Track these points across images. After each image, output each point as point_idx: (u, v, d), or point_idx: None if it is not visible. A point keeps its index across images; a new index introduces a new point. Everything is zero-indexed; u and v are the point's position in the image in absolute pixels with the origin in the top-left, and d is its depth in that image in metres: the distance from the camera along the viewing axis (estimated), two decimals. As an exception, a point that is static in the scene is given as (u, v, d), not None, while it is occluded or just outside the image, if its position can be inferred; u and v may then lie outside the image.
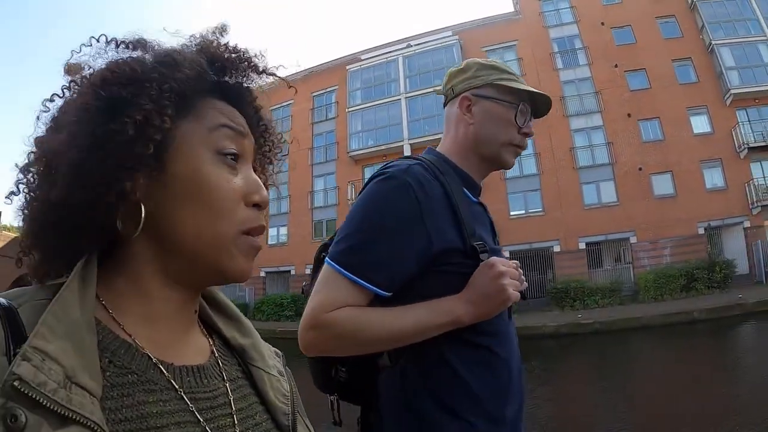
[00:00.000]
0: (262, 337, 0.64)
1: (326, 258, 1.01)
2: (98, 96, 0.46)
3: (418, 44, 23.76)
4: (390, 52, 24.30)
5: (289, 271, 23.44)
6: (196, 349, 0.54)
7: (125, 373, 0.44)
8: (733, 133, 19.68)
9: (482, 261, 1.01)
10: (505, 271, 0.99)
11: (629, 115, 20.25)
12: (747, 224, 18.91)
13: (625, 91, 20.76)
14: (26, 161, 0.49)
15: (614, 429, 5.75)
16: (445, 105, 1.24)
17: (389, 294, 0.98)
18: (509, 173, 18.46)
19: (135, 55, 0.50)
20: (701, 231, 18.92)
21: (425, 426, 0.99)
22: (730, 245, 18.88)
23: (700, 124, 20.11)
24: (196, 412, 0.47)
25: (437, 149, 1.20)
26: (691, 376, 8.26)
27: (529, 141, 1.21)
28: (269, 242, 24.71)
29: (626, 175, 19.95)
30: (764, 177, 19.39)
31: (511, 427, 1.04)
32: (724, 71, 19.92)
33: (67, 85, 0.50)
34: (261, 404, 0.56)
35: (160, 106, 0.47)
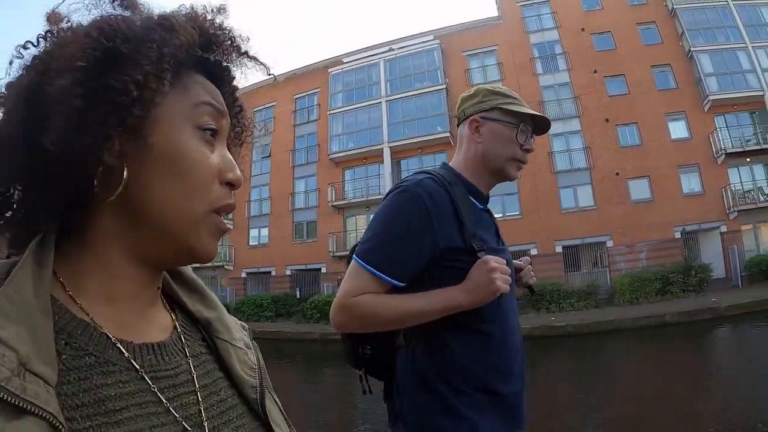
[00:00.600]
0: None
1: (353, 256, 1.25)
2: (97, 47, 0.44)
3: (401, 48, 23.93)
4: (372, 55, 24.43)
5: (270, 272, 23.44)
6: (158, 326, 0.52)
7: (82, 355, 0.42)
8: (711, 139, 19.81)
9: (479, 258, 1.21)
10: (496, 267, 1.19)
11: (607, 120, 20.38)
12: (724, 229, 19.02)
13: (603, 96, 20.90)
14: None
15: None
16: (458, 125, 1.46)
17: (403, 284, 1.21)
18: (487, 177, 18.50)
19: (127, 14, 0.48)
20: (678, 235, 19.02)
21: (432, 396, 1.21)
22: (707, 249, 18.97)
23: (678, 129, 20.25)
24: (157, 392, 0.45)
25: (450, 163, 1.42)
26: (655, 378, 8.34)
27: None
28: (250, 243, 24.82)
29: (603, 180, 20.06)
30: (741, 182, 19.52)
31: (511, 400, 1.25)
32: (702, 78, 20.08)
33: (49, 32, 0.47)
34: (226, 379, 0.54)
35: (159, 69, 0.45)
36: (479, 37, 23.00)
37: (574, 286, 18.10)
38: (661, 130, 20.11)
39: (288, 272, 23.16)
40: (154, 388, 0.45)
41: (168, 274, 0.58)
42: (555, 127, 20.72)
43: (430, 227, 1.20)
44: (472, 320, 1.22)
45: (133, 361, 0.45)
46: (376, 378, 1.42)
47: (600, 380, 8.83)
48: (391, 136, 22.52)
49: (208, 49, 0.52)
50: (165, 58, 0.45)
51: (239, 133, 0.60)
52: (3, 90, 0.46)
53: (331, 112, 23.69)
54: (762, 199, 19.10)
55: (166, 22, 0.48)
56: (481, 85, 1.46)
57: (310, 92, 25.08)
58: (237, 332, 0.60)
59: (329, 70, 24.77)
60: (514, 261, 1.48)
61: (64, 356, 0.41)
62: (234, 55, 0.55)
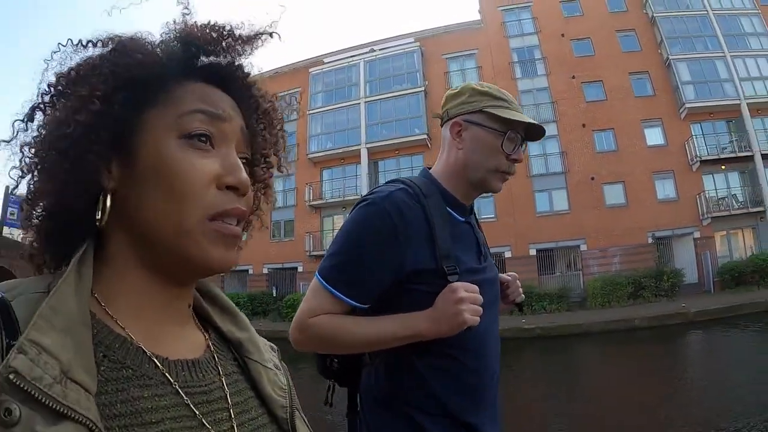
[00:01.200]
0: None
1: (316, 272, 1.16)
2: (52, 95, 0.48)
3: (382, 49, 24.02)
4: (353, 56, 24.50)
5: (247, 271, 23.35)
6: (192, 344, 0.53)
7: (120, 368, 0.43)
8: (687, 146, 19.98)
9: (450, 282, 1.10)
10: (464, 297, 1.07)
11: (584, 125, 20.55)
12: (697, 235, 19.19)
13: (581, 101, 21.09)
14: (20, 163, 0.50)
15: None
16: (441, 125, 1.31)
17: (365, 306, 1.12)
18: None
19: (102, 52, 0.50)
20: (651, 240, 19.08)
21: (395, 419, 1.13)
22: (680, 255, 19.10)
23: (654, 136, 20.43)
24: (192, 406, 0.46)
25: (431, 169, 1.29)
26: (614, 380, 8.51)
27: None
28: (228, 242, 24.58)
29: (578, 184, 20.21)
30: (716, 189, 19.69)
31: (480, 430, 1.14)
32: (680, 85, 20.27)
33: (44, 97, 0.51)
34: (257, 398, 0.55)
35: (94, 89, 0.46)
36: (459, 40, 23.14)
37: (547, 288, 18.18)
38: (637, 137, 20.29)
39: (265, 271, 23.09)
40: (188, 401, 0.46)
41: (201, 295, 0.59)
42: (532, 131, 20.86)
43: (396, 246, 1.09)
44: (442, 345, 1.11)
45: (168, 375, 0.47)
46: (343, 387, 1.34)
47: (562, 380, 8.95)
48: (368, 137, 22.58)
49: (203, 54, 0.52)
50: (102, 78, 0.47)
51: (262, 130, 0.57)
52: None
53: (310, 111, 23.68)
54: (736, 206, 19.27)
55: (118, 46, 0.49)
56: (469, 83, 1.27)
57: (290, 91, 25.02)
58: (267, 353, 0.61)
59: (310, 70, 24.81)
60: (502, 275, 1.38)
61: (102, 368, 0.42)
62: (240, 47, 0.54)
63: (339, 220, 21.69)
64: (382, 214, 1.11)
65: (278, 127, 0.60)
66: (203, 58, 0.53)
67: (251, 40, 0.55)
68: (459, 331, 1.08)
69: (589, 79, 21.23)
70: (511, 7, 23.17)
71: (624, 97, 20.73)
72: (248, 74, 0.55)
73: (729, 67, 20.28)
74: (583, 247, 19.66)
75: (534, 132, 1.25)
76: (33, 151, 0.48)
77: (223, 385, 0.52)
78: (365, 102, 23.18)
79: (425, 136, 21.38)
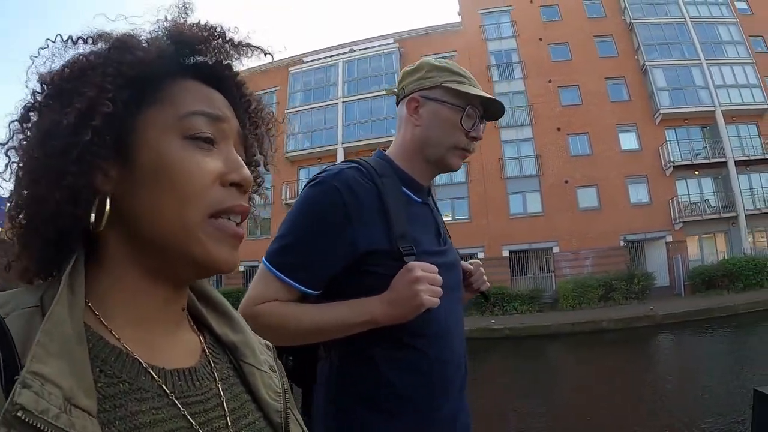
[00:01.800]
0: None
1: (263, 257, 1.07)
2: (46, 94, 0.46)
3: (362, 49, 24.12)
4: (333, 55, 24.59)
5: (223, 269, 23.33)
6: (187, 349, 0.53)
7: (116, 382, 0.43)
8: (661, 151, 20.16)
9: (406, 263, 1.02)
10: (421, 277, 0.99)
11: (559, 129, 20.73)
12: (669, 239, 19.39)
13: (556, 105, 21.29)
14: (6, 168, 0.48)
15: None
16: (397, 104, 1.24)
17: (316, 292, 1.05)
18: (438, 180, 18.59)
19: (95, 49, 0.49)
20: (623, 244, 19.22)
21: (348, 420, 1.05)
22: (652, 258, 19.28)
23: (628, 141, 20.64)
24: (189, 417, 0.46)
25: (387, 151, 1.22)
26: (582, 381, 8.62)
27: None
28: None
29: (552, 187, 20.37)
30: (689, 194, 19.88)
31: (446, 424, 1.09)
32: (655, 91, 20.48)
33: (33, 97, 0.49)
34: (253, 402, 0.55)
35: (102, 91, 0.45)
36: (438, 42, 23.27)
37: (519, 290, 18.25)
38: (612, 141, 20.50)
39: (241, 268, 23.00)
40: (185, 412, 0.46)
41: (195, 295, 0.58)
42: (507, 134, 21.02)
43: (347, 226, 1.02)
44: (400, 333, 1.04)
45: (164, 386, 0.46)
46: (298, 386, 1.24)
47: (528, 381, 9.07)
48: (345, 137, 22.69)
49: (196, 53, 0.52)
50: (108, 78, 0.45)
51: (255, 129, 0.57)
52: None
53: (288, 110, 23.76)
54: (708, 211, 19.46)
55: (116, 43, 0.48)
56: (426, 59, 1.22)
57: (269, 90, 25.06)
58: (262, 354, 0.61)
59: (290, 69, 24.84)
60: (465, 263, 1.32)
61: (99, 384, 0.42)
62: (230, 50, 0.54)
63: (315, 220, 21.71)
64: (331, 191, 1.03)
65: (267, 126, 0.59)
66: (195, 56, 0.52)
67: (241, 46, 0.55)
68: (417, 315, 1.00)
69: (566, 83, 21.45)
70: (491, 10, 23.39)
71: (600, 101, 20.95)
72: (238, 73, 0.55)
73: (705, 74, 20.54)
74: (556, 249, 19.83)
75: (493, 110, 1.20)
76: (23, 154, 0.46)
77: (219, 391, 0.51)
78: (343, 102, 23.29)
79: (401, 137, 21.32)
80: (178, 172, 0.46)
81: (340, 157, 22.38)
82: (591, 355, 11.47)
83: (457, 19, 24.28)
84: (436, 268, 1.03)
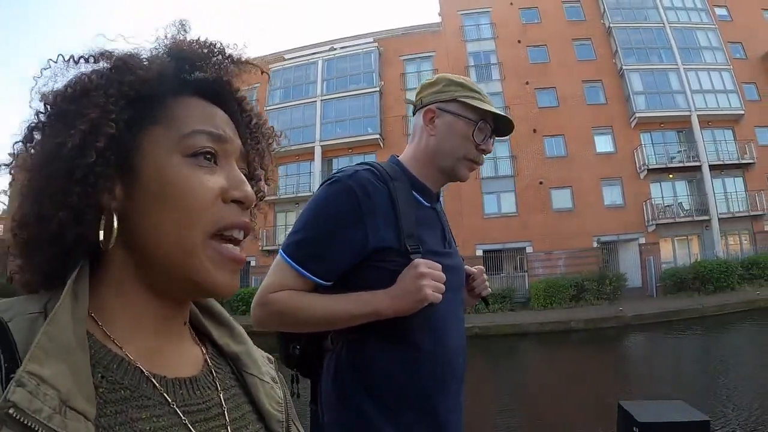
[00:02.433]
0: None
1: (280, 249, 1.16)
2: (50, 114, 0.47)
3: (342, 48, 24.24)
4: (313, 53, 24.67)
5: (204, 265, 23.32)
6: (189, 360, 0.53)
7: (118, 388, 0.43)
8: (635, 154, 20.29)
9: (412, 260, 1.10)
10: (426, 273, 1.07)
11: (535, 130, 20.84)
12: (642, 241, 19.50)
13: (533, 107, 21.44)
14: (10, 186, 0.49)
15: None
16: (413, 114, 1.32)
17: (328, 283, 1.12)
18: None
19: (96, 68, 0.49)
20: (596, 245, 19.32)
21: (352, 412, 1.11)
22: (625, 260, 19.39)
23: (603, 143, 20.81)
24: (189, 425, 0.46)
25: (400, 156, 1.30)
26: (547, 379, 8.69)
27: None
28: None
29: (527, 188, 20.55)
30: (662, 197, 20.07)
31: (443, 420, 1.14)
32: (631, 95, 20.64)
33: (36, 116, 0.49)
34: (254, 412, 0.55)
35: (105, 112, 0.45)
36: (418, 42, 23.49)
37: (491, 289, 18.15)
38: (587, 143, 20.66)
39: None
40: (185, 421, 0.46)
41: (197, 307, 0.59)
42: (483, 134, 21.06)
43: (360, 224, 1.10)
44: (400, 329, 1.10)
45: (165, 394, 0.46)
46: (305, 377, 1.31)
47: (494, 380, 9.09)
48: (323, 135, 22.75)
49: (196, 70, 0.52)
50: (111, 99, 0.46)
51: (256, 144, 0.57)
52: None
53: (267, 108, 23.77)
54: (682, 214, 19.61)
55: (117, 63, 0.48)
56: (444, 74, 1.31)
57: (250, 87, 25.23)
58: (264, 365, 0.61)
59: (270, 66, 24.83)
60: (468, 267, 1.38)
61: (100, 389, 0.42)
62: (230, 66, 0.54)
63: (292, 216, 21.72)
64: (347, 191, 1.11)
65: (267, 141, 0.59)
66: (195, 73, 0.53)
67: (241, 62, 0.55)
68: (420, 308, 1.07)
69: (543, 85, 21.62)
70: (471, 11, 23.55)
71: (576, 104, 21.15)
72: (238, 89, 0.56)
73: (682, 79, 20.75)
74: (530, 250, 19.97)
75: (503, 127, 1.28)
76: (26, 174, 0.47)
77: (221, 400, 0.52)
78: (321, 100, 23.36)
79: (378, 136, 21.64)
80: (181, 190, 0.46)
81: (318, 155, 22.50)
82: (560, 353, 11.59)
83: (438, 19, 24.45)
84: (440, 266, 1.11)
